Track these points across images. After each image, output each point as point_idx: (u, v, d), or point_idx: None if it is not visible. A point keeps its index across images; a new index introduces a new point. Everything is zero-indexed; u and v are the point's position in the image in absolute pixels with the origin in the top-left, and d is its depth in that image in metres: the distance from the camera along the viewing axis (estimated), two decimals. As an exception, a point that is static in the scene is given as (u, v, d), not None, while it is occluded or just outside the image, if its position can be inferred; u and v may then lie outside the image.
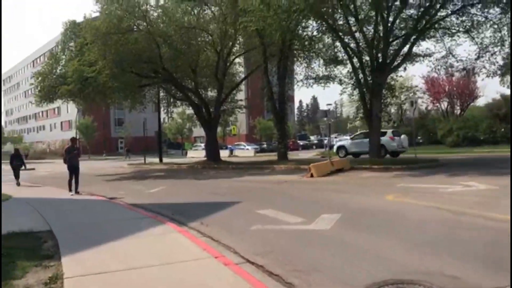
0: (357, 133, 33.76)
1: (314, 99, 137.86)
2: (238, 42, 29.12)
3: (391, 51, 22.14)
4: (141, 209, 10.52)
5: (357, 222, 7.96)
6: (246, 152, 48.17)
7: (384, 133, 25.01)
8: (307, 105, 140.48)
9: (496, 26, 20.62)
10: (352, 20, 21.57)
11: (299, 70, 28.93)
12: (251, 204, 10.68)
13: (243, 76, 34.05)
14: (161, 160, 37.30)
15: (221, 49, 28.05)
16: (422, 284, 4.55)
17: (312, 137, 76.33)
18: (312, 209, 9.36)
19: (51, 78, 26.73)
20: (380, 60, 21.56)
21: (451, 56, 23.43)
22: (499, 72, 22.39)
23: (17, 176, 20.00)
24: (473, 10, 20.76)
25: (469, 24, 21.25)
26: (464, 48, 24.77)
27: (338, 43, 24.01)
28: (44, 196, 14.83)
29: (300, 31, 23.42)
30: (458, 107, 51.56)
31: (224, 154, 38.69)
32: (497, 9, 19.78)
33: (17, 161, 20.46)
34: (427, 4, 20.53)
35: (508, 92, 34.51)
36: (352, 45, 22.53)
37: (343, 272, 5.14)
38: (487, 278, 4.66)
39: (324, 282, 4.89)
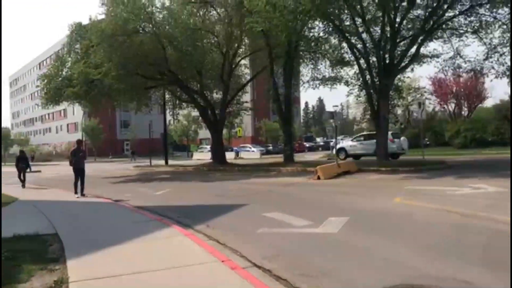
0: (357, 135, 33.69)
1: (320, 100, 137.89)
2: (243, 43, 29.08)
3: (398, 52, 21.95)
4: (147, 212, 10.46)
5: (365, 225, 7.86)
6: (251, 154, 48.08)
7: None
8: (313, 107, 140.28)
9: (505, 27, 20.39)
10: (359, 20, 21.42)
11: (305, 71, 28.80)
12: (257, 206, 10.59)
13: (248, 77, 33.97)
14: (166, 162, 37.30)
15: (226, 51, 28.01)
16: (433, 289, 4.45)
17: (318, 139, 76.15)
18: (319, 212, 9.27)
19: (57, 80, 26.79)
20: (387, 61, 21.41)
21: (459, 57, 23.25)
22: (507, 73, 22.12)
23: (22, 178, 20.06)
24: (481, 10, 20.54)
25: (478, 24, 21.02)
26: (472, 49, 24.66)
27: (344, 44, 23.85)
28: (50, 199, 14.84)
29: (306, 32, 23.29)
30: (465, 108, 51.25)
31: (229, 156, 38.64)
32: (506, 9, 19.55)
33: (23, 163, 20.50)
34: (435, 4, 20.35)
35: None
36: (359, 46, 22.37)
37: (352, 277, 5.06)
38: (500, 282, 4.56)
39: (333, 287, 4.80)
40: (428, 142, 37.86)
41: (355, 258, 5.76)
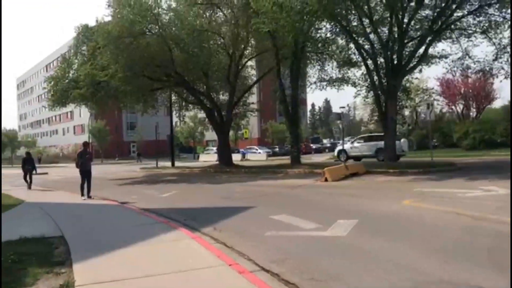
0: (358, 136, 33.53)
1: (327, 101, 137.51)
2: (250, 44, 28.99)
3: (406, 53, 21.76)
4: (153, 214, 10.41)
5: (374, 228, 7.74)
6: (258, 155, 48.00)
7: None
8: (320, 108, 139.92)
9: (514, 26, 20.17)
10: (366, 21, 21.24)
11: (312, 72, 28.60)
12: (264, 209, 10.49)
13: (255, 79, 33.91)
14: (173, 164, 37.32)
15: (233, 52, 27.96)
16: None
17: (325, 141, 75.95)
18: (328, 214, 9.16)
19: (64, 82, 26.85)
20: (395, 62, 21.22)
21: (467, 58, 23.01)
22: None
23: (28, 180, 20.11)
24: (490, 10, 20.32)
25: (486, 24, 20.77)
26: (481, 49, 24.35)
27: (352, 45, 23.65)
28: (56, 201, 14.83)
29: (313, 33, 23.15)
30: (473, 109, 50.86)
31: (236, 158, 38.55)
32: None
33: (29, 165, 20.55)
34: (443, 4, 20.17)
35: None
36: (367, 46, 22.21)
37: (362, 281, 4.95)
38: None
39: (343, 292, 4.70)
40: (436, 144, 37.59)
41: (365, 262, 5.65)
